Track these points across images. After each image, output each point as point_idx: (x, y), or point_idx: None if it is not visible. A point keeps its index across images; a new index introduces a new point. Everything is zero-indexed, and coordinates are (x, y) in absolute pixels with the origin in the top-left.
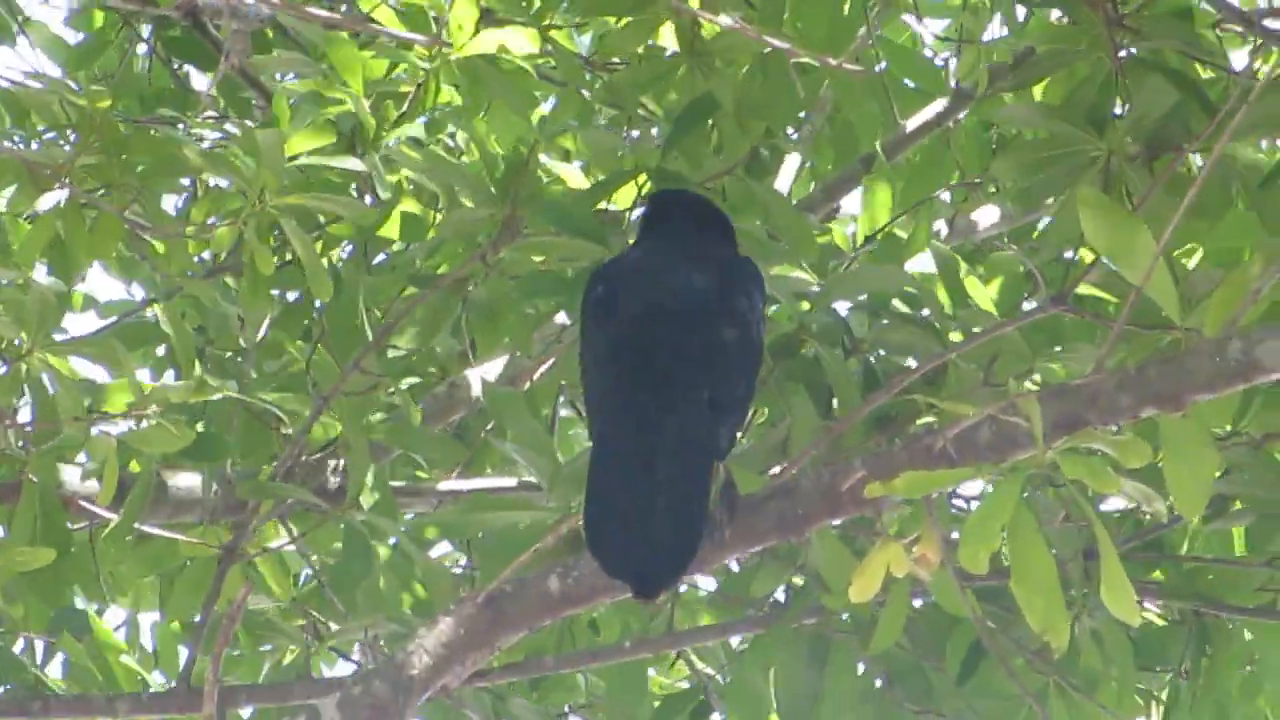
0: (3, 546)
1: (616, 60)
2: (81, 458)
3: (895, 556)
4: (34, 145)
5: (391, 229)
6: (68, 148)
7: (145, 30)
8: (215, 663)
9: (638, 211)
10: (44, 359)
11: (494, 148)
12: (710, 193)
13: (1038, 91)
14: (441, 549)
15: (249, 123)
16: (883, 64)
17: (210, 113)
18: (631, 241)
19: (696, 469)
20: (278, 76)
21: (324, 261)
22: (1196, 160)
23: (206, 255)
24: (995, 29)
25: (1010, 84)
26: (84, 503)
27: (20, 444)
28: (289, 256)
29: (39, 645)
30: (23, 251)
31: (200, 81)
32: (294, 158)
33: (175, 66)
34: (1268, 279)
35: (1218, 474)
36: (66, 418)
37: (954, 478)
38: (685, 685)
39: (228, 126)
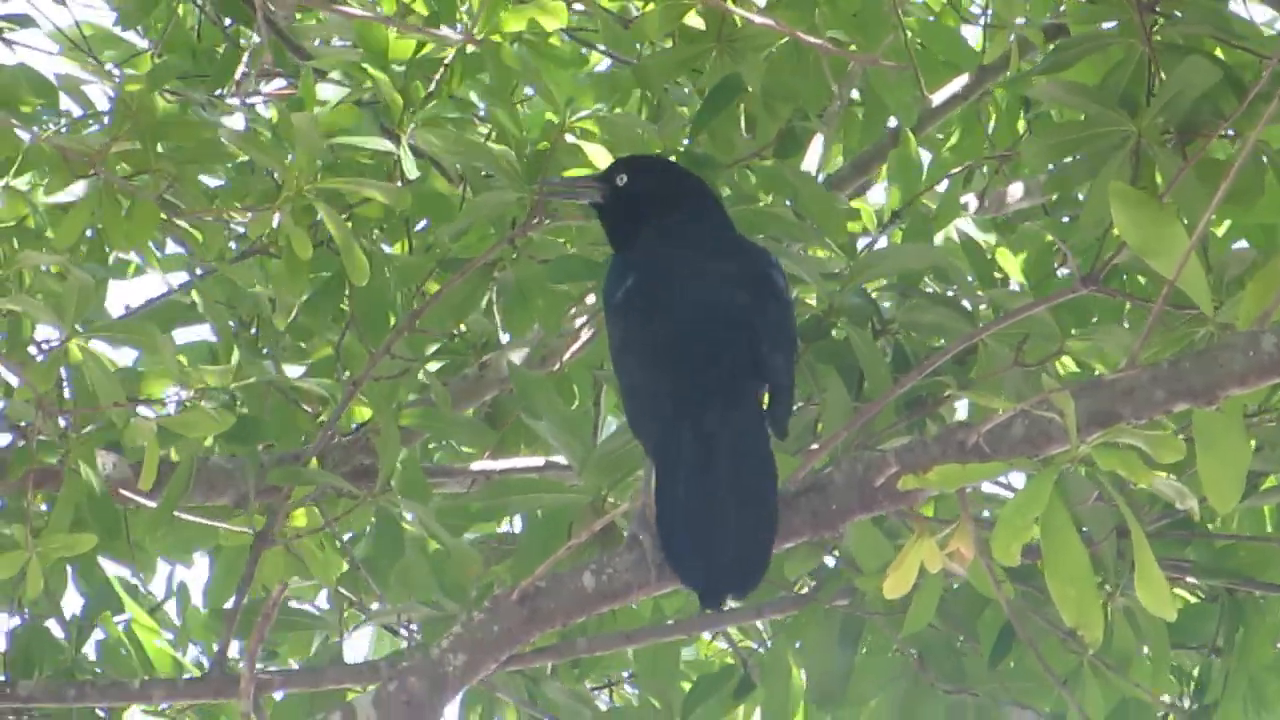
0: (46, 532)
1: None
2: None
3: (929, 552)
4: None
5: (419, 208)
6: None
7: None
8: (251, 659)
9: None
10: (83, 345)
11: (525, 125)
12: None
13: (1070, 75)
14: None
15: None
16: (908, 37)
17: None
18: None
19: (763, 466)
20: (318, 42)
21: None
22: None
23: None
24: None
25: (1042, 68)
26: (123, 490)
27: (62, 429)
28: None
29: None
30: (59, 238)
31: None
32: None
33: (227, 26)
34: None
35: None
36: (106, 403)
37: (987, 472)
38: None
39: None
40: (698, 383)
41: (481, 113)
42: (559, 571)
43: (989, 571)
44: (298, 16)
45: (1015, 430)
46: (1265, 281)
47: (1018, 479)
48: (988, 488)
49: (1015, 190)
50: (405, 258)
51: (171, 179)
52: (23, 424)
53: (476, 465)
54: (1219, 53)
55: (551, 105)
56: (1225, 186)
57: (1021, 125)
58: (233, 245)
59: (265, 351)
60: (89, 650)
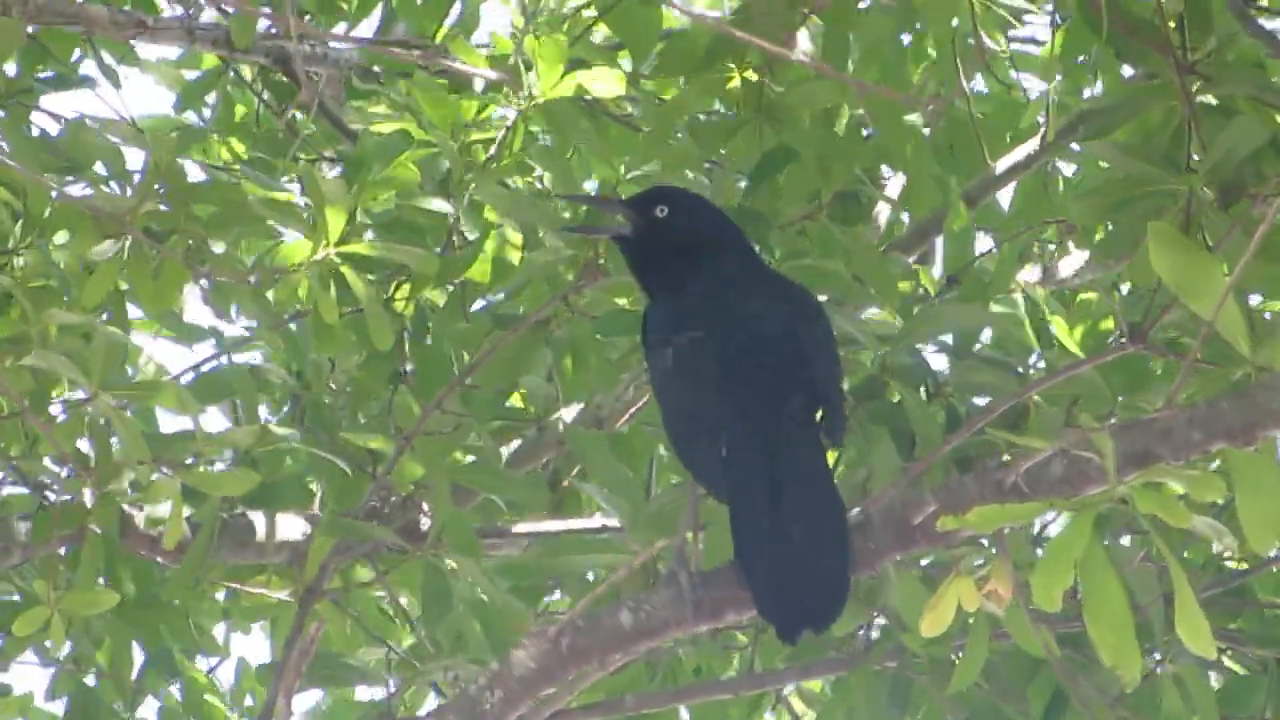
0: (71, 590)
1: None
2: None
3: (966, 591)
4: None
5: (481, 272)
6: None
7: (248, 73)
8: (288, 696)
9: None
10: (108, 404)
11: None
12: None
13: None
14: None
15: (325, 168)
16: (970, 107)
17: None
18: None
19: (831, 496)
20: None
21: (412, 305)
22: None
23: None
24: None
25: (1085, 133)
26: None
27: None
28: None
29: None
30: (86, 297)
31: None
32: (378, 199)
33: (283, 110)
34: None
35: None
36: (131, 461)
37: (1026, 512)
38: None
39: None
40: (758, 410)
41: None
42: (596, 610)
43: (1026, 612)
44: (352, 105)
45: (1054, 470)
46: None
47: None
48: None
49: (1073, 263)
50: (464, 325)
51: (200, 241)
52: (46, 483)
53: (528, 527)
54: (1263, 114)
55: (606, 165)
56: (1261, 232)
57: None
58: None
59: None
60: (148, 712)
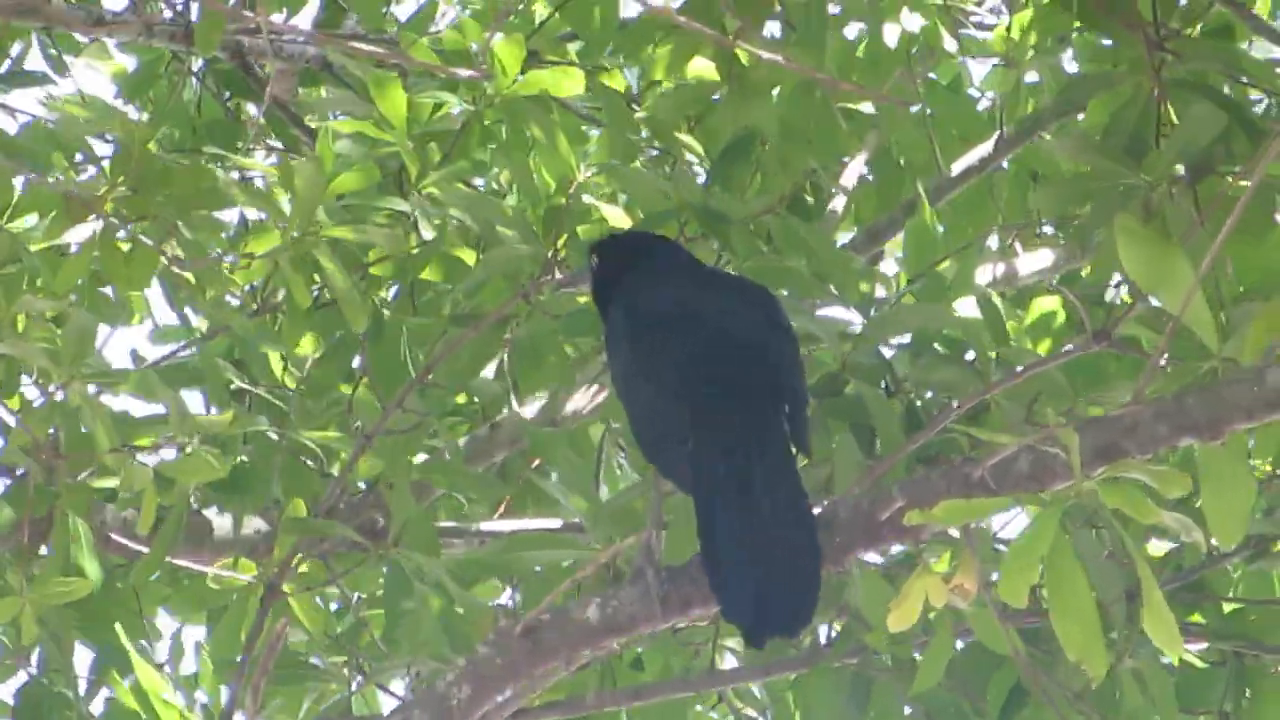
0: (40, 579)
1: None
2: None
3: (933, 586)
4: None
5: (435, 271)
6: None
7: (196, 63)
8: (255, 695)
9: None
10: (81, 391)
11: (541, 183)
12: (754, 230)
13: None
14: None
15: (293, 157)
16: (925, 108)
17: (257, 149)
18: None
19: (799, 494)
20: (330, 115)
21: (367, 301)
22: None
23: (250, 290)
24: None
25: (1053, 111)
26: (119, 538)
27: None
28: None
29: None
30: (59, 283)
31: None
32: (340, 197)
33: (226, 99)
34: None
35: (1259, 515)
36: (103, 448)
37: (992, 507)
38: None
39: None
40: (722, 406)
41: (494, 174)
42: (563, 605)
43: (992, 609)
44: (300, 91)
45: (1020, 465)
46: (1270, 316)
47: None
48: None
49: (1026, 264)
50: (421, 318)
51: (171, 225)
52: (17, 470)
53: (485, 525)
54: (1227, 89)
55: (564, 164)
56: (1230, 223)
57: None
58: (233, 301)
59: (284, 402)
60: (96, 708)
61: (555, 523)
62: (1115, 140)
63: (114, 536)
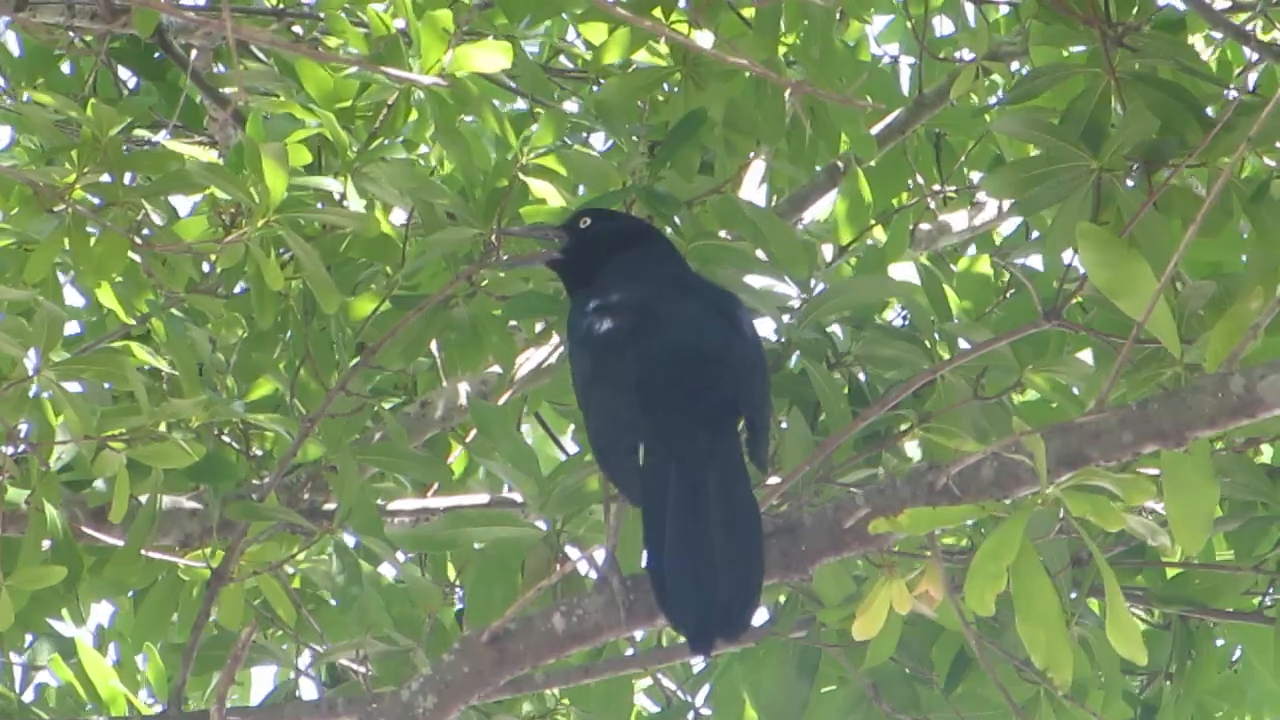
0: (18, 568)
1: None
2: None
3: (898, 593)
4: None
5: (361, 249)
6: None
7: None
8: (221, 700)
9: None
10: (51, 378)
11: (480, 162)
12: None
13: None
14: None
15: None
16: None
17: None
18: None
19: (748, 506)
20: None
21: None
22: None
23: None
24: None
25: (1008, 98)
26: (86, 529)
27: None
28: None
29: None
30: (30, 272)
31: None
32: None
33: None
34: (1269, 313)
35: None
36: (77, 435)
37: (958, 515)
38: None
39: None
40: (678, 418)
41: (423, 153)
42: (528, 613)
43: (958, 612)
44: (218, 67)
45: (985, 473)
46: (1232, 322)
47: None
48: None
49: (953, 223)
50: (357, 297)
51: (140, 211)
52: None
53: (418, 503)
54: (1186, 82)
55: (486, 149)
56: (1198, 222)
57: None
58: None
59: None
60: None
61: (483, 498)
62: (1070, 129)
63: (85, 529)
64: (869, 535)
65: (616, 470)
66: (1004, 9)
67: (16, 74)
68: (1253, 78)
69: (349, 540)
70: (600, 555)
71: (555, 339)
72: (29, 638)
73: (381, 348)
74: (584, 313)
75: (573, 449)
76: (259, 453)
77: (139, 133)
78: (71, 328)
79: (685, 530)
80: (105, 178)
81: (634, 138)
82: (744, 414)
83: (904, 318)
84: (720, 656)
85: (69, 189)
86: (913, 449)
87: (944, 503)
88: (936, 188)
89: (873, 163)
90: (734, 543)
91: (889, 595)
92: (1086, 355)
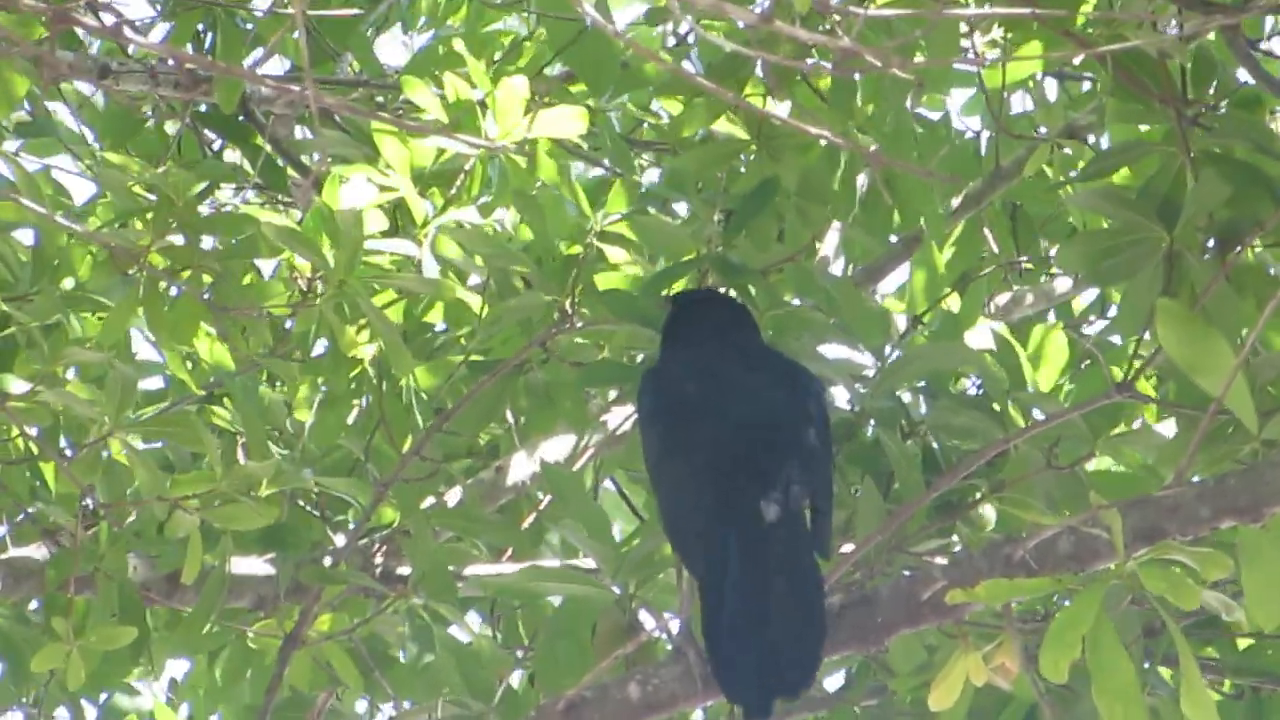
0: (89, 628)
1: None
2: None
3: (974, 665)
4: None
5: (435, 314)
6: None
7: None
8: None
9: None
10: (125, 440)
11: (554, 229)
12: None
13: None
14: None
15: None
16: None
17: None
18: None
19: (810, 580)
20: (315, 157)
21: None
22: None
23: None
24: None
25: (1083, 175)
26: (151, 594)
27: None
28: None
29: None
30: (104, 335)
31: (230, 155)
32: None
33: (213, 142)
34: None
35: None
36: (149, 497)
37: (1034, 587)
38: None
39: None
40: (744, 493)
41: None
42: (604, 683)
43: (1034, 685)
44: (299, 132)
45: (1062, 546)
46: None
47: None
48: None
49: (1027, 296)
50: (433, 362)
51: (216, 275)
52: (57, 529)
53: (493, 568)
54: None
55: (564, 215)
56: (1271, 306)
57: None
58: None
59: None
60: None
61: (555, 563)
62: (1145, 205)
63: (150, 595)
64: (945, 607)
65: (686, 549)
66: (1084, 86)
67: (104, 132)
68: None
69: (420, 603)
70: (675, 623)
71: (629, 406)
72: (104, 695)
73: (456, 413)
74: (655, 385)
75: (646, 514)
76: (333, 516)
77: (222, 194)
78: (155, 383)
79: (742, 605)
80: (179, 240)
81: (710, 206)
82: (807, 497)
83: (978, 387)
84: None
85: (144, 251)
86: (988, 512)
87: (1021, 575)
88: (1012, 259)
89: (947, 238)
90: (795, 615)
91: (965, 666)
92: (1160, 426)
